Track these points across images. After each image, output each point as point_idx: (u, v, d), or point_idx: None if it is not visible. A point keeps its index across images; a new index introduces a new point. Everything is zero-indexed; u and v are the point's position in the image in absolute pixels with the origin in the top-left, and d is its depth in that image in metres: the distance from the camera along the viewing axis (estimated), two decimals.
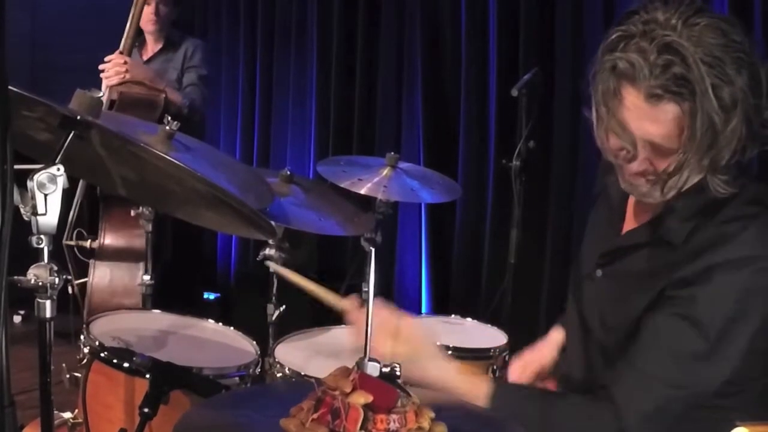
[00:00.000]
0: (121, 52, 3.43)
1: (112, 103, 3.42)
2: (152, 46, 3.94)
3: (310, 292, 1.59)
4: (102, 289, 3.37)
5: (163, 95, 3.52)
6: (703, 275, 1.31)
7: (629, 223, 1.52)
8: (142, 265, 3.30)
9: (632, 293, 1.41)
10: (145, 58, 3.92)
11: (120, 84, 3.43)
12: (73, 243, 3.33)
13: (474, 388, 1.42)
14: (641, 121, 1.28)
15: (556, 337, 1.82)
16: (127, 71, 3.43)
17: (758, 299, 1.32)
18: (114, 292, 3.35)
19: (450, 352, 2.20)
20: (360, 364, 1.04)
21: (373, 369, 1.04)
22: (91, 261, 3.40)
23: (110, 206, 3.42)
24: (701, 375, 1.34)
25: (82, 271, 3.43)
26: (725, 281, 1.31)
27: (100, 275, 3.38)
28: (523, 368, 1.82)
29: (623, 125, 1.30)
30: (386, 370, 1.05)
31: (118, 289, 3.36)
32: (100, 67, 3.46)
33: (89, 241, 3.37)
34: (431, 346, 1.52)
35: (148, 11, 3.70)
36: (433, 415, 1.03)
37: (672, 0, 1.28)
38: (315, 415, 0.96)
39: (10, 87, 0.98)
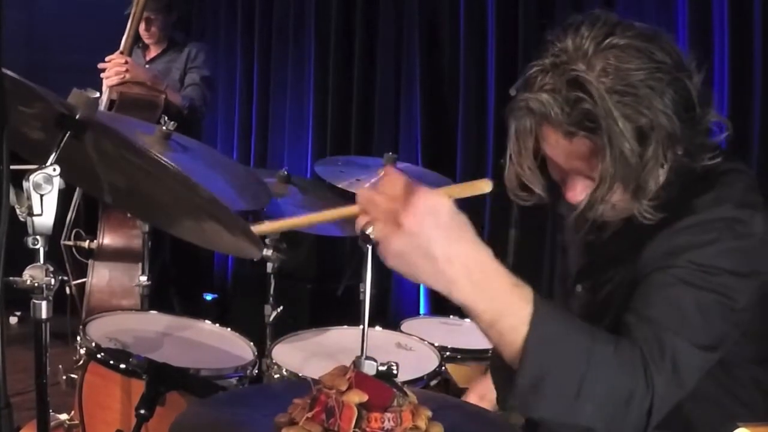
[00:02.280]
0: (121, 52, 3.41)
1: (111, 103, 3.41)
2: (155, 48, 3.96)
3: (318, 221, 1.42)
4: (101, 290, 3.36)
5: (163, 96, 3.52)
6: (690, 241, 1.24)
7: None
8: (140, 265, 3.30)
9: (613, 299, 1.39)
10: (148, 58, 3.93)
11: (120, 84, 3.43)
12: (71, 243, 3.32)
13: (517, 301, 1.15)
14: (566, 156, 1.26)
15: None
16: (127, 71, 3.42)
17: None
18: (113, 292, 3.35)
19: (448, 353, 2.20)
20: (357, 363, 1.04)
21: (369, 368, 1.03)
22: (90, 261, 3.39)
23: (109, 206, 3.41)
24: (711, 324, 1.23)
25: (80, 271, 3.42)
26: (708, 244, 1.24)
27: (99, 276, 3.37)
28: (481, 398, 1.80)
29: (551, 161, 1.30)
30: (383, 368, 1.04)
31: (116, 289, 3.35)
32: (100, 66, 3.44)
33: (87, 241, 3.36)
34: (462, 225, 1.10)
35: (141, 28, 3.70)
36: (430, 414, 1.03)
37: (587, 21, 1.23)
38: (309, 414, 0.96)
39: (9, 73, 0.96)
